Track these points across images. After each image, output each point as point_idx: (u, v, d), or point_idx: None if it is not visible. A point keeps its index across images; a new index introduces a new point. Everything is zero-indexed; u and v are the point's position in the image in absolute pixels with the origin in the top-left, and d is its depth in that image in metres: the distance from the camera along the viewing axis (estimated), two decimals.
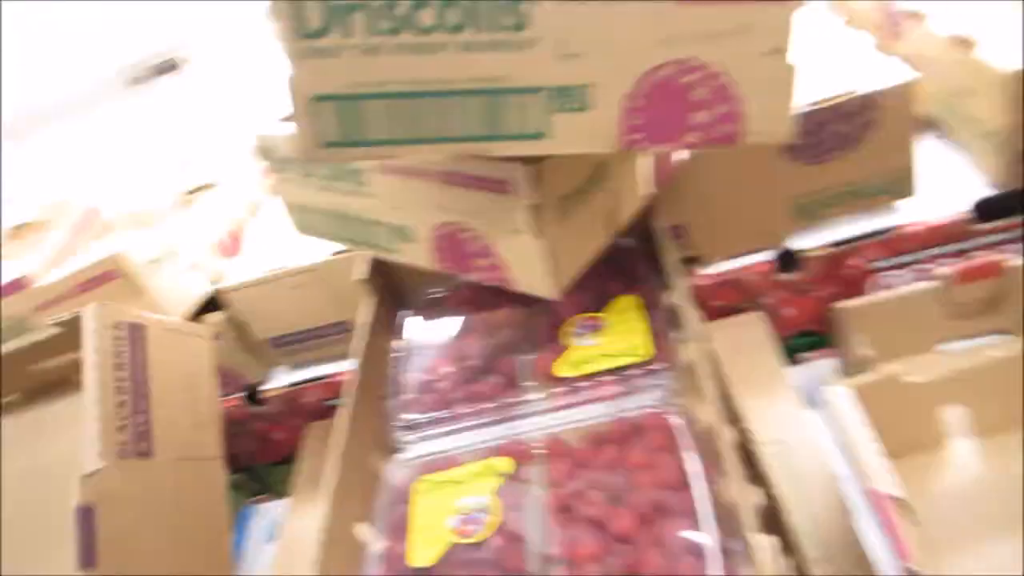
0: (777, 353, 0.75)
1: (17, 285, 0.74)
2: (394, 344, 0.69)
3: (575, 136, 0.42)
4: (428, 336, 0.69)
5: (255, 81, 1.05)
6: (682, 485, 0.49)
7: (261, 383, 0.88)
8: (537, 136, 0.42)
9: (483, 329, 0.67)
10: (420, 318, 0.71)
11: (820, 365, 0.79)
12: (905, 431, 0.63)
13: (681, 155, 0.66)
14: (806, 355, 0.83)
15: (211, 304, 0.83)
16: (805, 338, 0.83)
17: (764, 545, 0.38)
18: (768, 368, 0.73)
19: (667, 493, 0.49)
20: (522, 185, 0.46)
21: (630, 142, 0.43)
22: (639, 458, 0.52)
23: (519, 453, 0.56)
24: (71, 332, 0.61)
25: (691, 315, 0.54)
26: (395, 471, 0.59)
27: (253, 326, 0.84)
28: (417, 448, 0.60)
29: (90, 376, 0.57)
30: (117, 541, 0.54)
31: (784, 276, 0.77)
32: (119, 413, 0.58)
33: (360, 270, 0.69)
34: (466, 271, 0.56)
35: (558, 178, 0.48)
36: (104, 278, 0.73)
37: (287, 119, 0.49)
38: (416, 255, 0.58)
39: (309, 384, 0.86)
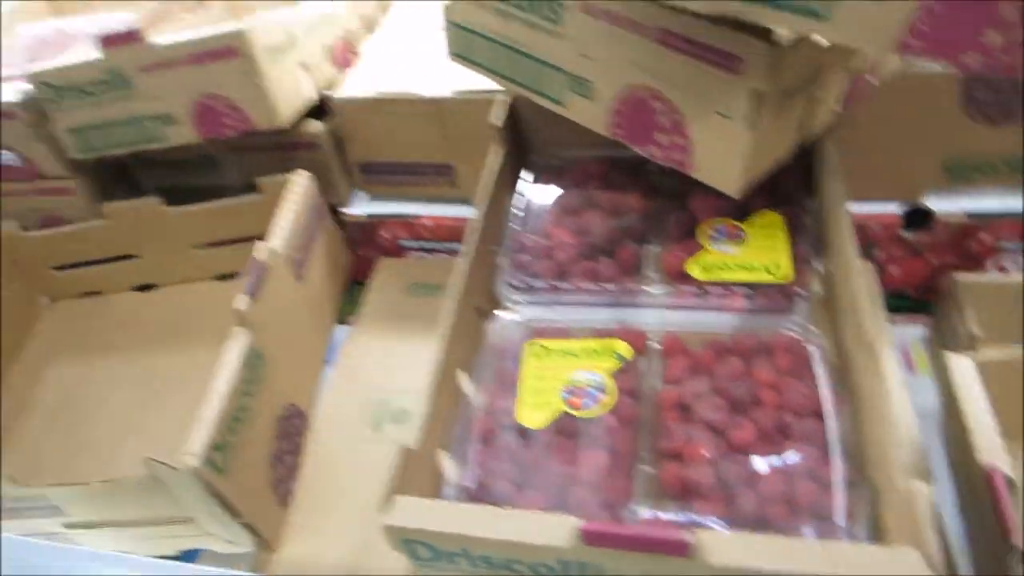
0: (883, 308, 0.73)
1: (129, 37, 0.69)
2: (514, 200, 0.66)
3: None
4: (550, 202, 0.66)
5: None
6: (809, 413, 0.48)
7: (341, 204, 0.86)
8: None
9: (609, 208, 0.64)
10: (542, 181, 0.68)
11: (907, 331, 0.78)
12: (1006, 415, 0.63)
13: (872, 80, 0.62)
14: (894, 316, 0.82)
15: (314, 111, 0.79)
16: (898, 299, 0.81)
17: (923, 491, 0.37)
18: (875, 320, 0.71)
19: (792, 416, 0.48)
20: (758, 68, 0.42)
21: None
22: (766, 376, 0.51)
23: (634, 341, 0.55)
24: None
25: (849, 246, 0.52)
26: (502, 328, 0.57)
27: (352, 145, 0.80)
28: (526, 311, 0.59)
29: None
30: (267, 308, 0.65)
31: (907, 233, 0.75)
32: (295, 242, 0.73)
33: (497, 115, 0.65)
34: (643, 144, 0.53)
35: (789, 70, 0.44)
36: (223, 54, 0.68)
37: None
38: (590, 114, 0.55)
39: (392, 219, 0.84)
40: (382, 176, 0.82)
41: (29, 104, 0.75)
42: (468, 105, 0.73)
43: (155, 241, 0.85)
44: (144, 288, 0.90)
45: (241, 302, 0.62)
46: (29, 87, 0.74)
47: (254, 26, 0.67)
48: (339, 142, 0.81)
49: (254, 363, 0.62)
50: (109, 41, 0.69)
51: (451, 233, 0.83)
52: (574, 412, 0.50)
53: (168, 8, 0.92)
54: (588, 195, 0.66)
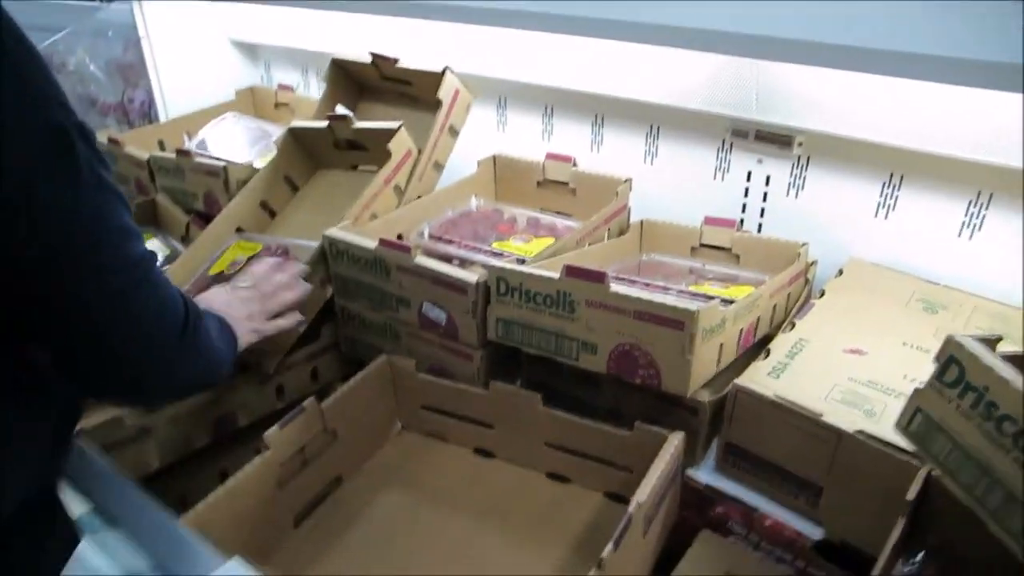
0: None
1: (594, 276, 0.78)
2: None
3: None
4: None
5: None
6: None
7: (687, 465, 0.88)
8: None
9: None
10: (935, 567, 0.65)
11: None
12: None
13: None
14: None
15: None
16: None
17: None
18: None
19: None
20: None
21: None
22: None
23: None
24: None
25: None
26: None
27: (729, 426, 0.82)
28: None
29: None
30: None
31: None
32: (654, 499, 0.73)
33: (912, 490, 0.63)
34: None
35: None
36: (668, 322, 0.74)
37: None
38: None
39: (734, 502, 0.84)
40: (744, 462, 0.83)
41: (480, 287, 0.87)
42: (868, 448, 0.72)
43: (515, 424, 0.93)
44: (482, 452, 0.98)
45: (605, 551, 0.65)
46: (482, 268, 0.87)
47: (705, 309, 0.73)
48: (717, 415, 0.84)
49: None
50: (573, 272, 0.79)
51: (787, 543, 0.81)
52: None
53: (591, 231, 1.05)
54: None
